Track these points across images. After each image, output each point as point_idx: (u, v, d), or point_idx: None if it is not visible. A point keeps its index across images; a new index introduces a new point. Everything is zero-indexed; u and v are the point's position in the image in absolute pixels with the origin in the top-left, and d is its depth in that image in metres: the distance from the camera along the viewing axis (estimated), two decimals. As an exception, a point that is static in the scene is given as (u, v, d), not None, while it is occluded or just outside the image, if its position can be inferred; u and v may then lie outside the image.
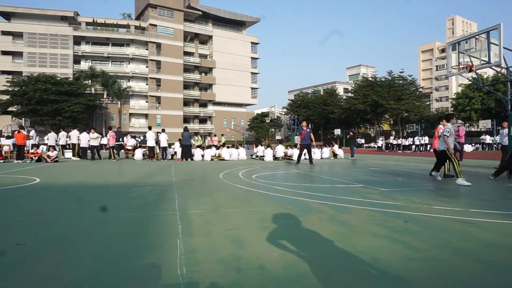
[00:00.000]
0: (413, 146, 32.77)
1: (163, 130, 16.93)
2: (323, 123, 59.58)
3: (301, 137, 12.85)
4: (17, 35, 47.17)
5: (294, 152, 16.96)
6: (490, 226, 3.72)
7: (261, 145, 19.58)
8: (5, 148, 16.02)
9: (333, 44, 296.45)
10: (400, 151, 31.60)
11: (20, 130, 15.01)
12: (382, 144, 36.36)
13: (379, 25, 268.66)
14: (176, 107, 54.55)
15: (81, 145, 16.58)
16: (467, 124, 47.25)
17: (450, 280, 2.29)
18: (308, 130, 12.84)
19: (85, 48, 50.61)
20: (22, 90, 40.47)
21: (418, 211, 4.45)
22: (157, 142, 16.77)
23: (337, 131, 51.44)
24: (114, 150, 16.64)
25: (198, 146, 18.87)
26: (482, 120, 40.73)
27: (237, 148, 17.95)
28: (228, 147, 18.30)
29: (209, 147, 18.08)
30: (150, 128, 17.37)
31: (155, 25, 52.65)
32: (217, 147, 18.22)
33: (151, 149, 16.41)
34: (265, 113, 58.35)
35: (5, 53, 46.93)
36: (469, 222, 3.89)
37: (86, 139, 16.54)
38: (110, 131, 16.82)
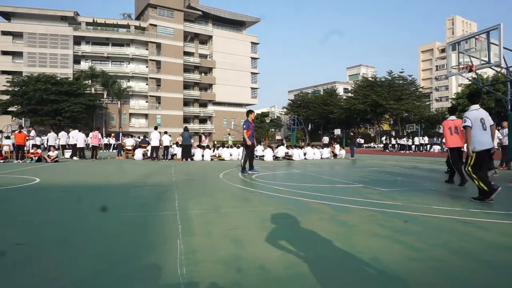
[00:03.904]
0: (413, 146, 32.79)
1: (166, 132, 17.23)
2: (323, 123, 59.61)
3: (249, 132, 9.46)
4: (17, 35, 47.15)
5: (294, 152, 16.96)
6: (490, 226, 3.72)
7: (260, 145, 19.53)
8: (5, 148, 16.02)
9: (333, 44, 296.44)
10: (402, 151, 31.59)
11: (21, 130, 15.03)
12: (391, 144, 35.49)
13: (379, 25, 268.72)
14: (176, 107, 54.53)
15: (78, 145, 17.00)
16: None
17: (450, 280, 2.29)
18: (252, 124, 9.81)
19: (85, 48, 50.58)
20: (22, 90, 40.46)
21: (418, 211, 4.45)
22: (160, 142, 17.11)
23: (337, 131, 51.45)
24: (96, 150, 17.32)
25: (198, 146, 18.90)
26: (482, 120, 40.59)
27: (237, 148, 17.94)
28: (227, 147, 18.30)
29: (201, 146, 17.97)
30: (156, 128, 17.43)
31: (155, 25, 52.62)
32: (217, 147, 18.21)
33: (155, 148, 16.40)
34: (265, 113, 58.34)
35: (5, 53, 46.90)
36: (469, 222, 3.89)
37: (83, 139, 17.10)
38: (93, 131, 17.50)
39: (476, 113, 5.21)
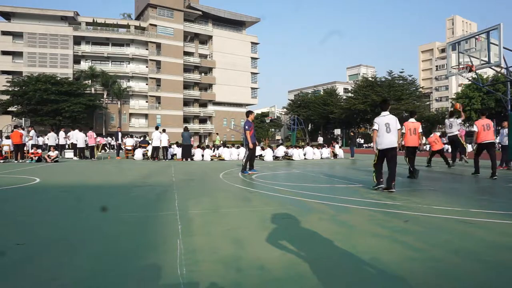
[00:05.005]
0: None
1: (164, 130, 17.06)
2: (323, 123, 59.59)
3: (251, 132, 9.36)
4: (17, 35, 47.14)
5: (294, 152, 16.96)
6: (490, 226, 3.72)
7: (259, 145, 19.47)
8: (5, 148, 16.01)
9: (333, 44, 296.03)
10: (402, 151, 31.58)
11: (14, 129, 15.00)
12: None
13: (379, 25, 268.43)
14: (176, 107, 54.52)
15: (78, 145, 17.05)
16: (467, 124, 47.29)
17: (450, 280, 2.29)
18: (253, 124, 9.62)
19: (85, 48, 50.58)
20: (22, 90, 40.44)
21: (418, 211, 4.45)
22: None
23: (337, 131, 51.44)
24: (94, 150, 17.54)
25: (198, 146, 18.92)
26: (482, 120, 40.67)
27: (237, 148, 17.95)
28: (227, 147, 18.30)
29: (198, 146, 18.02)
30: (157, 128, 17.38)
31: (155, 25, 52.61)
32: (217, 147, 18.19)
33: (156, 148, 16.37)
34: (265, 113, 58.37)
35: (5, 53, 46.88)
36: (469, 222, 3.88)
37: (83, 139, 17.11)
38: (89, 131, 17.64)
39: (383, 118, 6.13)
